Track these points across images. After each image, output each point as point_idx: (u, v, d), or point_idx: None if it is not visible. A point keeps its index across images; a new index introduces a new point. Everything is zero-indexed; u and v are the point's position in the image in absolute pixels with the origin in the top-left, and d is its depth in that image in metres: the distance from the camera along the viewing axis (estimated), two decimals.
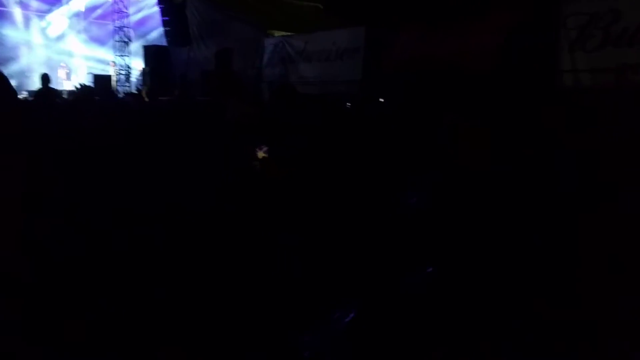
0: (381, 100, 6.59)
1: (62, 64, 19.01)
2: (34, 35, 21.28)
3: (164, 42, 15.65)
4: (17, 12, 21.64)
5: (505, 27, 7.58)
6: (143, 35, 18.42)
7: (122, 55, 16.23)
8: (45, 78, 7.80)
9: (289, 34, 13.76)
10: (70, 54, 20.70)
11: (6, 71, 18.66)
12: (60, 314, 2.54)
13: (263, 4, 17.18)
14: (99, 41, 20.44)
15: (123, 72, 16.26)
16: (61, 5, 21.39)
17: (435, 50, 9.24)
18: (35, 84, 17.48)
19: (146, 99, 6.17)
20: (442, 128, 3.88)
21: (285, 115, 4.90)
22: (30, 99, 9.35)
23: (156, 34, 17.59)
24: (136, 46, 16.93)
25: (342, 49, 11.65)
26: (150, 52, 15.85)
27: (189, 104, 7.14)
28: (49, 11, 21.81)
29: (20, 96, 10.72)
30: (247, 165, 3.69)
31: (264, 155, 3.63)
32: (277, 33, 13.79)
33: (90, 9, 20.79)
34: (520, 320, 2.67)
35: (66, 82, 17.57)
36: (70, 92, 14.12)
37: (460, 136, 3.78)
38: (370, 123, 4.74)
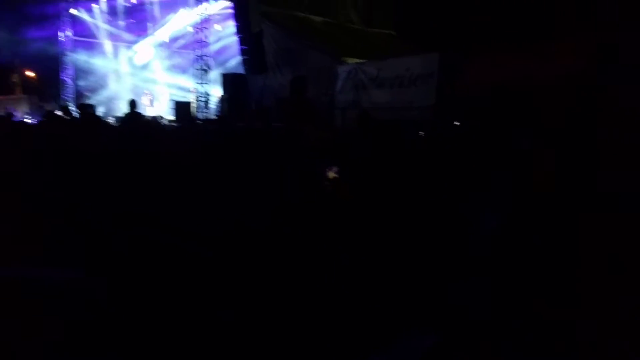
0: (456, 123, 6.53)
1: (146, 91, 20.06)
2: (122, 64, 22.65)
3: (241, 70, 16.20)
4: (107, 44, 23.15)
5: (589, 51, 7.34)
6: (222, 64, 19.19)
7: (201, 83, 16.93)
8: (132, 103, 8.28)
9: (362, 60, 13.92)
10: (153, 82, 21.85)
11: (97, 98, 19.92)
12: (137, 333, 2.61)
13: (337, 32, 17.54)
14: (181, 69, 21.48)
15: (202, 99, 16.93)
16: (147, 36, 22.68)
17: (509, 74, 9.07)
18: (122, 110, 18.59)
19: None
20: (517, 152, 3.82)
21: (362, 140, 4.97)
22: (117, 123, 9.93)
23: (234, 62, 18.27)
24: (215, 74, 17.62)
25: (416, 75, 11.64)
26: (228, 80, 16.45)
27: (264, 130, 7.35)
28: (135, 42, 23.19)
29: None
30: (318, 186, 3.76)
31: (334, 176, 3.69)
32: (351, 60, 13.97)
33: (174, 40, 21.93)
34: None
35: (149, 108, 18.48)
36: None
37: (536, 160, 3.70)
38: (446, 146, 4.72)
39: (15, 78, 30.46)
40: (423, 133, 5.94)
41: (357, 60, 13.97)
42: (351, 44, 16.75)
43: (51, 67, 25.77)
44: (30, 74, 31.62)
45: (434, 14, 21.64)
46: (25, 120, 18.22)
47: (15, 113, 20.93)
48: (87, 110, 7.38)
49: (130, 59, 23.28)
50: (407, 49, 17.36)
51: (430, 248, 3.37)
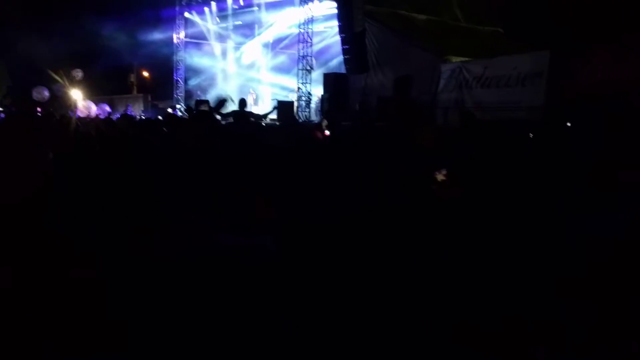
0: (568, 124, 6.18)
1: (251, 91, 20.75)
2: (229, 64, 23.60)
3: (343, 70, 16.30)
4: (216, 45, 24.21)
5: None
6: (324, 63, 19.42)
7: (304, 83, 17.24)
8: (242, 102, 8.67)
9: (467, 59, 13.56)
10: (258, 81, 22.58)
11: (205, 97, 20.86)
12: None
13: (441, 30, 17.17)
14: (284, 69, 22.01)
15: (304, 99, 17.24)
16: (253, 37, 23.46)
17: (630, 75, 8.47)
18: (228, 109, 19.35)
19: (326, 132, 6.47)
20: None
21: (466, 140, 4.83)
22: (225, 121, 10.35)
23: (336, 61, 18.43)
24: (317, 74, 17.87)
25: (524, 74, 11.19)
26: (330, 79, 16.63)
27: (368, 129, 7.35)
28: (242, 43, 24.06)
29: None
30: (425, 187, 3.70)
31: (442, 178, 3.62)
32: (455, 59, 13.65)
33: (278, 40, 22.52)
34: None
35: (254, 107, 19.09)
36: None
37: None
38: (556, 149, 4.48)
39: (132, 78, 32.71)
40: (532, 134, 5.67)
41: (462, 59, 13.63)
42: (455, 42, 16.34)
43: (164, 67, 27.39)
44: (145, 74, 33.78)
45: (545, 9, 20.65)
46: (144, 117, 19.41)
47: (131, 111, 22.42)
48: (201, 107, 7.75)
49: (237, 59, 24.21)
50: (515, 47, 16.70)
51: (531, 247, 3.27)
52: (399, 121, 5.30)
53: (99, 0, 31.70)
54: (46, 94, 21.42)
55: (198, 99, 8.40)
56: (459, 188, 3.52)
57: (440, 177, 3.42)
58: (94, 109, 19.97)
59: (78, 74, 23.16)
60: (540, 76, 10.72)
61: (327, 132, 7.32)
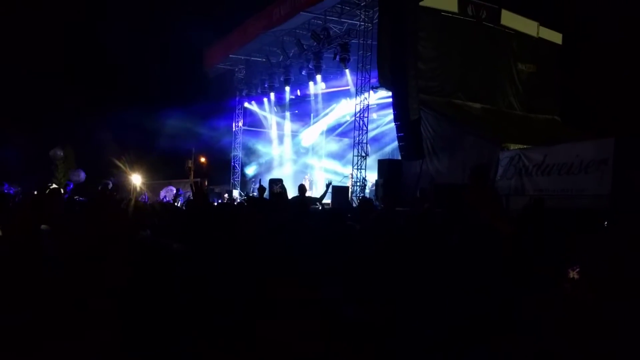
0: None
1: (305, 176, 21.08)
2: (285, 151, 24.23)
3: (397, 156, 16.44)
4: (273, 132, 25.04)
5: None
6: (378, 150, 19.68)
7: (358, 168, 17.41)
8: (301, 188, 8.77)
9: (526, 146, 13.45)
10: (312, 167, 22.97)
11: (263, 182, 21.30)
12: None
13: (496, 118, 17.27)
14: (339, 155, 22.41)
15: (359, 184, 17.35)
16: (309, 125, 24.17)
17: None
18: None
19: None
20: None
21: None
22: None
23: (390, 148, 18.65)
24: (371, 159, 18.07)
25: (587, 161, 10.95)
26: (384, 165, 16.76)
27: (428, 215, 7.24)
28: (299, 130, 24.81)
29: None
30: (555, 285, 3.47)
31: (576, 275, 3.35)
32: (513, 146, 13.57)
33: (333, 128, 23.10)
34: None
35: (308, 192, 19.30)
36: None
37: None
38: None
39: (189, 164, 33.91)
40: (606, 223, 5.44)
41: (520, 146, 13.53)
42: (512, 129, 16.35)
43: (221, 153, 28.39)
44: (202, 159, 35.01)
45: (603, 98, 20.59)
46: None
47: (186, 194, 23.03)
48: (277, 186, 7.88)
49: (293, 146, 24.89)
50: (572, 134, 16.57)
51: None
52: (476, 210, 5.15)
53: (163, 90, 33.66)
54: (82, 175, 22.40)
55: (272, 178, 8.55)
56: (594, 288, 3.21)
57: (573, 274, 3.16)
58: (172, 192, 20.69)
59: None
60: (605, 163, 10.45)
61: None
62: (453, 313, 3.20)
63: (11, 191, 18.50)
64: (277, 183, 7.92)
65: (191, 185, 4.00)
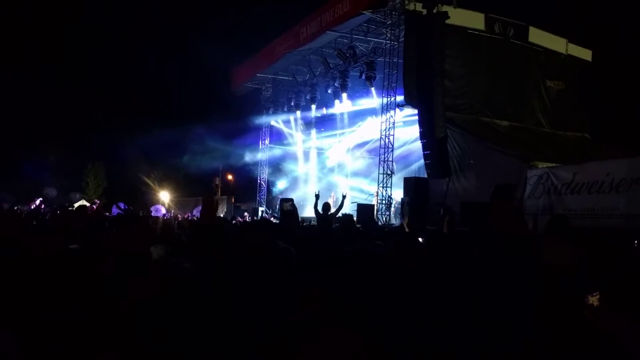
0: None
1: (332, 194, 21.06)
2: (311, 168, 24.30)
3: (423, 174, 16.32)
4: (299, 150, 25.16)
5: None
6: (404, 167, 19.58)
7: (384, 186, 17.34)
8: (326, 206, 8.79)
9: (554, 164, 13.23)
10: (338, 185, 22.96)
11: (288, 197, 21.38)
12: None
13: (524, 135, 17.06)
14: (365, 173, 22.37)
15: (384, 202, 17.26)
16: (335, 143, 24.23)
17: None
18: (307, 211, 19.73)
19: (406, 229, 6.38)
20: None
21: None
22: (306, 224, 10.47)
23: (416, 166, 18.54)
24: (397, 177, 17.98)
25: (619, 180, 10.70)
26: (410, 183, 16.65)
27: (454, 234, 7.15)
28: (325, 148, 24.88)
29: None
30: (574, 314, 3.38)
31: (596, 302, 3.21)
32: (541, 164, 13.36)
33: (359, 145, 23.10)
34: None
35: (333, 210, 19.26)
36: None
37: None
38: None
39: (217, 181, 34.27)
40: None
41: (548, 164, 13.32)
42: (540, 147, 16.12)
43: (248, 171, 28.64)
44: (229, 177, 35.33)
45: (634, 115, 20.20)
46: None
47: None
48: (287, 204, 7.91)
49: (318, 163, 24.95)
50: (601, 152, 16.26)
51: None
52: (495, 227, 5.10)
53: (192, 108, 34.19)
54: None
55: (282, 197, 8.60)
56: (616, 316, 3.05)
57: (593, 300, 2.99)
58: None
59: None
60: (637, 182, 10.21)
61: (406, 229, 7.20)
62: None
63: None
64: (287, 201, 7.93)
65: (203, 200, 4.00)
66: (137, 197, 29.35)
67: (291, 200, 8.21)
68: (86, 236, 4.79)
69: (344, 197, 12.36)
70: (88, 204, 20.51)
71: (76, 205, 19.96)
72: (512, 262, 4.25)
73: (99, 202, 21.73)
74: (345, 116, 22.40)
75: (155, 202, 25.83)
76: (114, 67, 36.12)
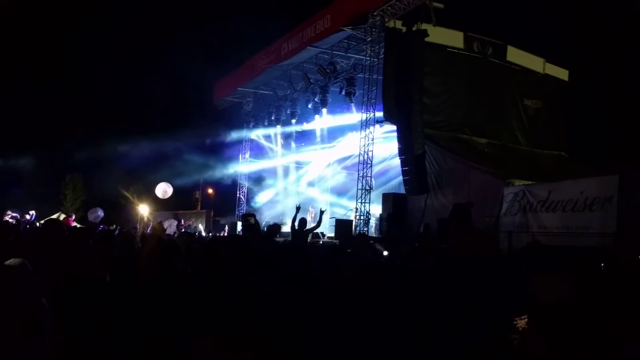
0: None
1: (310, 209, 20.99)
2: (290, 183, 24.25)
3: (402, 190, 16.35)
4: (278, 165, 25.14)
5: None
6: (383, 184, 19.60)
7: (363, 202, 17.31)
8: (302, 222, 8.78)
9: (530, 182, 13.34)
10: (316, 200, 22.90)
11: (268, 214, 21.25)
12: None
13: (502, 153, 17.20)
14: (343, 189, 22.35)
15: (362, 218, 17.23)
16: (314, 158, 24.24)
17: None
18: (287, 227, 19.58)
19: (384, 252, 6.35)
20: None
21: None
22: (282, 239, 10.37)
23: (395, 182, 18.57)
24: (376, 193, 17.97)
25: (592, 198, 10.80)
26: (389, 199, 16.69)
27: (427, 252, 7.12)
28: (303, 163, 24.86)
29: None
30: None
31: (523, 326, 3.13)
32: (517, 182, 13.45)
33: (339, 161, 23.13)
34: None
35: (311, 225, 19.18)
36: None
37: None
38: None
39: (197, 195, 34.04)
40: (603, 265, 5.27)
41: (524, 182, 13.41)
42: (517, 165, 16.28)
43: (227, 185, 28.48)
44: (209, 191, 35.11)
45: (610, 134, 20.49)
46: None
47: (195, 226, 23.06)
48: (248, 218, 7.82)
49: (297, 178, 24.89)
50: (578, 171, 16.44)
51: None
52: (456, 245, 5.08)
53: (173, 121, 33.97)
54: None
55: (244, 212, 8.55)
56: (544, 341, 2.96)
57: (521, 324, 2.91)
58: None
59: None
60: (609, 201, 10.30)
61: (385, 252, 7.14)
62: None
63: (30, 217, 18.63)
64: (249, 216, 7.87)
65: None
66: (115, 210, 29.00)
67: (253, 215, 8.13)
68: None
69: (322, 212, 12.32)
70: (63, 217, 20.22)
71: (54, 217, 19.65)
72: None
73: (74, 215, 21.38)
74: (325, 131, 22.41)
75: (135, 215, 25.51)
76: (93, 77, 35.83)
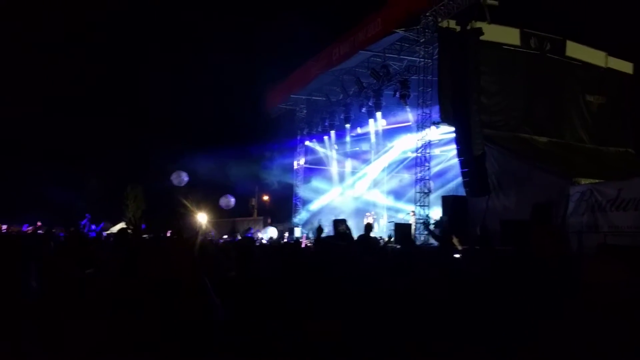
0: None
1: (367, 213, 20.90)
2: (346, 188, 24.22)
3: (462, 192, 16.06)
4: (334, 171, 25.13)
5: None
6: (442, 186, 19.30)
7: (421, 205, 17.10)
8: (368, 227, 8.77)
9: (597, 181, 12.85)
10: (374, 204, 22.77)
11: (323, 218, 21.30)
12: None
13: (565, 152, 16.64)
14: (400, 192, 22.15)
15: (421, 221, 17.01)
16: (370, 162, 24.11)
17: None
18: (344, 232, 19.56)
19: (458, 247, 6.23)
20: None
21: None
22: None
23: (454, 184, 18.26)
24: (434, 196, 17.72)
25: None
26: (448, 202, 16.42)
27: (489, 253, 6.97)
28: (359, 168, 24.79)
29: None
30: None
31: None
32: (584, 180, 12.99)
33: (394, 164, 22.92)
34: None
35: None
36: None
37: None
38: None
39: (253, 202, 34.50)
40: None
41: (591, 181, 12.94)
42: (582, 163, 15.69)
43: (283, 192, 28.75)
44: (265, 198, 35.52)
45: None
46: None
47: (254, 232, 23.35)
48: (342, 226, 7.80)
49: (354, 183, 24.84)
50: None
51: None
52: (534, 247, 4.96)
53: (228, 130, 34.63)
54: (185, 178, 23.06)
55: (335, 218, 8.45)
56: None
57: None
58: None
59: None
60: None
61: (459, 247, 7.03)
62: None
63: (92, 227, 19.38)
64: (342, 223, 7.75)
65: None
66: (175, 219, 29.70)
67: (344, 221, 8.00)
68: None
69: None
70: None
71: (117, 228, 20.35)
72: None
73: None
74: (380, 135, 22.27)
75: (194, 223, 26.10)
76: (150, 90, 36.95)
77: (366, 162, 24.95)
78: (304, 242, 18.49)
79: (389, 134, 22.50)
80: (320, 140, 25.62)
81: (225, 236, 22.67)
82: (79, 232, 9.27)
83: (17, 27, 31.47)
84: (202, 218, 25.87)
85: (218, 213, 28.07)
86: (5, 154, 33.71)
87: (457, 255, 6.50)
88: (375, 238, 10.17)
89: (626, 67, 19.87)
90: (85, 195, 33.29)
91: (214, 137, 34.54)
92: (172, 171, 30.60)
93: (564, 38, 18.42)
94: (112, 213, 33.04)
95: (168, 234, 6.97)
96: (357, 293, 4.02)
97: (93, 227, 20.50)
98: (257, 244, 15.57)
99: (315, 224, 6.16)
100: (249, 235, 20.37)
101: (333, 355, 3.37)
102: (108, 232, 19.20)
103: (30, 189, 32.38)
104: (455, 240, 6.33)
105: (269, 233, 23.30)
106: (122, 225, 22.64)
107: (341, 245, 6.79)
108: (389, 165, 23.60)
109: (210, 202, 27.01)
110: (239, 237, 18.10)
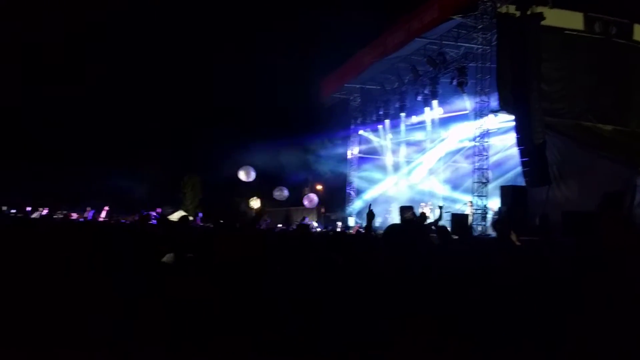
0: None
1: (422, 203, 20.70)
2: (401, 178, 24.06)
3: (521, 182, 15.68)
4: (388, 159, 25.00)
5: None
6: (500, 176, 18.88)
7: (479, 196, 16.81)
8: (423, 215, 8.73)
9: None
10: (430, 194, 22.54)
11: (377, 208, 21.26)
12: None
13: (633, 140, 15.98)
14: (457, 182, 21.82)
15: (479, 212, 16.73)
16: (425, 151, 23.84)
17: None
18: (395, 219, 19.47)
19: (517, 243, 6.10)
20: None
21: None
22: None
23: (513, 174, 17.84)
24: (492, 186, 17.37)
25: None
26: (507, 192, 16.05)
27: (551, 245, 6.81)
28: (414, 157, 24.56)
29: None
30: None
31: None
32: None
33: (451, 153, 22.57)
34: None
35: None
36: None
37: None
38: None
39: (306, 191, 34.76)
40: None
41: None
42: None
43: (337, 181, 28.85)
44: (319, 187, 35.73)
45: None
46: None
47: (308, 221, 23.56)
48: (408, 213, 7.76)
49: (409, 173, 24.64)
50: None
51: None
52: (604, 237, 4.80)
53: (282, 120, 34.97)
54: (286, 193, 23.74)
55: (402, 205, 8.35)
56: None
57: None
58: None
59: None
60: None
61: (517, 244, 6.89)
62: None
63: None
64: (408, 210, 7.69)
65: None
66: (232, 206, 30.36)
67: (411, 208, 7.93)
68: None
69: (440, 208, 12.10)
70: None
71: (176, 215, 20.96)
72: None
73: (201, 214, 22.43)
74: (436, 123, 21.95)
75: (249, 210, 26.55)
76: (208, 84, 37.74)
77: (421, 151, 24.67)
78: (355, 230, 18.54)
79: (445, 122, 22.16)
80: (375, 130, 25.51)
81: (280, 225, 22.98)
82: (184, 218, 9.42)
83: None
84: (255, 204, 26.21)
85: (272, 201, 28.44)
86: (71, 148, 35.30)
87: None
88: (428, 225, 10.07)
89: None
90: (146, 185, 34.40)
91: (269, 128, 34.96)
92: (229, 162, 31.22)
93: (631, 21, 17.59)
94: (170, 202, 34.09)
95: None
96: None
97: (153, 214, 21.20)
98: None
99: (366, 211, 6.09)
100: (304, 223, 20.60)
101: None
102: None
103: (93, 180, 33.74)
104: (513, 237, 6.17)
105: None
106: (181, 212, 23.28)
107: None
108: (445, 154, 23.25)
109: (265, 191, 27.40)
110: (294, 226, 18.34)
